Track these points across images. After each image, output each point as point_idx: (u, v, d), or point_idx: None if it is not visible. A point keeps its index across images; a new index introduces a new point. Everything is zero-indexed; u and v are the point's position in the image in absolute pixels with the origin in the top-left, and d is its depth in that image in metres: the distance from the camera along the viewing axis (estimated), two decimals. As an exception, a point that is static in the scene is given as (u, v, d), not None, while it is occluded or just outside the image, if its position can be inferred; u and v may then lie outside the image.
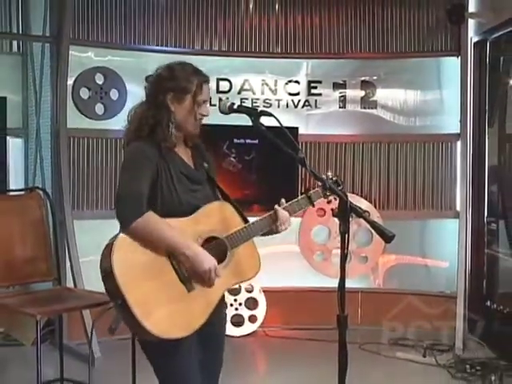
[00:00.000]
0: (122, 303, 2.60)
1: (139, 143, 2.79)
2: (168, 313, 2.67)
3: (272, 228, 2.94)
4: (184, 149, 2.94)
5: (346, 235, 2.63)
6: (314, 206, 3.06)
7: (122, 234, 2.65)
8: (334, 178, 3.07)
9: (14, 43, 6.66)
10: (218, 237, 2.82)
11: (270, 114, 2.80)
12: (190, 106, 2.83)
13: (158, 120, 2.80)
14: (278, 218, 2.92)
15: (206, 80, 2.89)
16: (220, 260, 2.80)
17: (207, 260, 2.70)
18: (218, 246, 2.81)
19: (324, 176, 3.00)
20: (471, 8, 6.25)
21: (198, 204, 2.83)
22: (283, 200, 2.98)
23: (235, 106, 2.88)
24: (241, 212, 2.95)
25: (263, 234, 2.96)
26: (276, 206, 2.94)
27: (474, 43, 6.28)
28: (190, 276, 2.71)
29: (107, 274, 2.62)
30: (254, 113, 2.82)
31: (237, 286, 5.89)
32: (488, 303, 6.15)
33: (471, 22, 6.28)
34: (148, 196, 2.72)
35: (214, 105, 4.62)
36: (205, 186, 2.96)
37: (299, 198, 3.05)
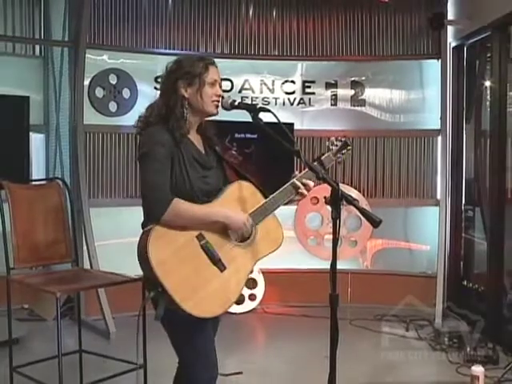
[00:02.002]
0: (162, 290, 2.56)
1: (153, 130, 2.71)
2: (206, 294, 2.63)
3: (292, 197, 2.86)
4: (196, 135, 2.86)
5: (338, 221, 2.59)
6: (326, 169, 2.93)
7: (156, 226, 2.59)
8: (342, 139, 3.02)
9: (37, 47, 6.63)
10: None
11: (268, 110, 2.76)
12: (200, 87, 2.76)
13: (171, 107, 2.73)
14: (298, 186, 2.85)
15: (211, 62, 2.82)
16: (246, 237, 2.77)
17: (239, 217, 2.69)
18: None
19: (332, 138, 3.01)
20: (450, 16, 6.26)
21: (210, 189, 2.77)
22: (296, 172, 2.90)
23: (236, 103, 2.82)
24: (259, 187, 2.88)
25: (284, 204, 2.87)
26: (294, 179, 2.86)
27: (453, 47, 6.29)
28: (222, 250, 2.68)
29: (145, 265, 2.57)
30: (253, 109, 2.78)
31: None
32: (465, 282, 6.17)
33: (450, 29, 6.30)
34: None
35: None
36: (215, 171, 2.88)
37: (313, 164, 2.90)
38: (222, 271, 2.68)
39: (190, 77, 2.75)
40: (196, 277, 2.63)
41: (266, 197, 2.85)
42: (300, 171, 2.89)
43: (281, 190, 2.85)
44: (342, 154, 3.05)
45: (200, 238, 2.66)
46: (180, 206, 2.61)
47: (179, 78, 2.75)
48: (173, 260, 2.59)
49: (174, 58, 2.76)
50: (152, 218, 2.61)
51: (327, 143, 3.04)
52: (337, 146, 3.02)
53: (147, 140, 2.72)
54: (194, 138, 2.85)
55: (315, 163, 2.91)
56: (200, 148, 2.86)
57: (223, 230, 2.71)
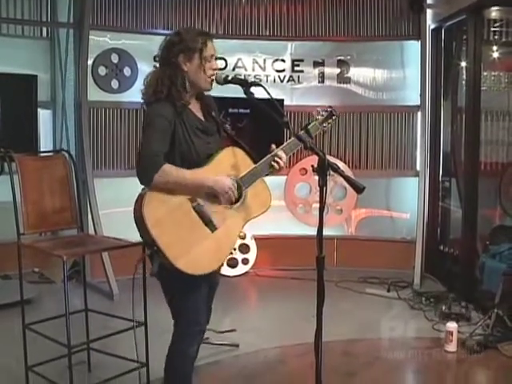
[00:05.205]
0: (157, 250, 2.56)
1: (157, 105, 2.68)
2: (197, 253, 2.63)
3: (273, 168, 2.83)
4: (195, 103, 2.84)
5: (324, 189, 2.57)
6: (312, 138, 2.91)
7: (149, 191, 2.58)
8: (328, 109, 3.00)
9: (44, 29, 6.57)
10: (233, 179, 2.74)
11: (259, 85, 2.73)
12: (199, 63, 2.73)
13: (172, 80, 2.69)
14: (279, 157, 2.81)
15: (210, 37, 2.79)
16: (237, 199, 2.75)
17: (223, 181, 2.65)
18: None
19: (318, 109, 2.99)
20: (429, 0, 6.22)
21: (213, 153, 2.76)
22: (273, 146, 2.86)
23: (229, 78, 2.80)
24: (250, 154, 2.85)
25: (269, 174, 2.85)
26: (276, 149, 2.83)
27: (432, 30, 6.26)
28: (214, 211, 2.66)
29: (141, 226, 2.57)
30: (245, 83, 2.75)
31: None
32: (441, 247, 6.20)
33: (429, 12, 6.28)
34: (167, 152, 2.63)
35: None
36: (216, 136, 2.86)
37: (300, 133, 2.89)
38: (213, 232, 2.67)
39: (190, 52, 2.72)
40: (188, 237, 2.62)
41: (255, 162, 2.82)
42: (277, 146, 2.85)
43: (263, 160, 2.82)
44: (328, 123, 3.02)
45: (192, 200, 2.65)
46: (169, 170, 2.57)
47: (180, 52, 2.72)
48: (167, 221, 2.58)
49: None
50: (143, 180, 2.58)
51: (314, 113, 3.01)
52: (323, 115, 2.99)
53: (151, 113, 2.69)
54: (194, 106, 2.82)
55: (302, 132, 2.89)
56: (200, 116, 2.83)
57: (213, 193, 2.68)
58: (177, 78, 2.70)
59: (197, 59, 2.73)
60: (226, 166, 2.76)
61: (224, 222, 2.71)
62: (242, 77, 6.32)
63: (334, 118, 3.02)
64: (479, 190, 5.46)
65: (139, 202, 2.59)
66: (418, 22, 6.32)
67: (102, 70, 5.99)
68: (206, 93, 2.88)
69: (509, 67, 5.76)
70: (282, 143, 2.88)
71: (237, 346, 4.32)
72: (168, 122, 2.65)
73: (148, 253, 2.64)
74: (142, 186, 2.69)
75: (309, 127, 2.92)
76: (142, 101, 2.79)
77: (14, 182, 3.59)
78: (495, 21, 5.69)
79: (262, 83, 2.75)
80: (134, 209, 2.62)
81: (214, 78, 2.78)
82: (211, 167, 2.71)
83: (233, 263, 6.30)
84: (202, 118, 2.84)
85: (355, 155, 6.56)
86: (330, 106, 3.04)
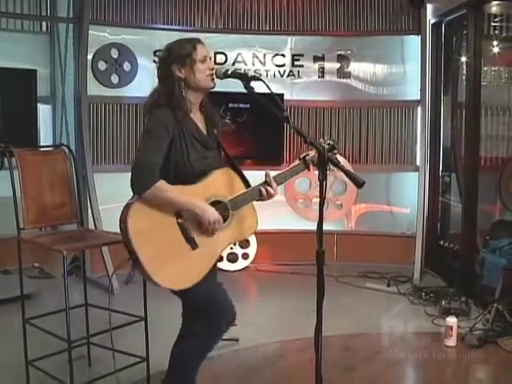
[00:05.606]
0: (136, 259, 2.57)
1: (158, 111, 2.70)
2: (175, 268, 2.63)
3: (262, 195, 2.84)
4: (199, 115, 2.85)
5: (324, 183, 2.57)
6: (309, 169, 2.94)
7: (136, 202, 2.58)
8: (330, 143, 2.98)
9: (43, 24, 6.54)
10: (222, 200, 2.75)
11: (259, 79, 2.73)
12: (193, 66, 2.74)
13: (171, 90, 2.72)
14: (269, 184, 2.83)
15: (198, 41, 2.80)
16: (223, 221, 2.74)
17: (212, 213, 2.65)
18: (221, 209, 2.73)
19: (321, 140, 2.94)
20: (430, -6, 6.22)
21: (209, 169, 2.76)
22: (267, 171, 2.88)
23: (229, 72, 2.80)
24: (244, 177, 2.86)
25: (259, 200, 2.86)
26: (267, 177, 2.84)
27: (432, 24, 6.23)
28: (197, 232, 2.65)
29: (124, 235, 2.59)
30: (245, 77, 2.75)
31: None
32: (441, 242, 6.19)
33: (429, 6, 6.24)
34: (163, 160, 2.65)
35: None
36: (215, 152, 2.87)
37: (293, 165, 2.94)
38: (193, 249, 2.67)
39: (181, 59, 2.74)
40: (169, 251, 2.62)
41: (248, 186, 2.84)
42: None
43: (255, 186, 2.83)
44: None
45: (178, 215, 2.65)
46: (161, 187, 2.58)
47: (172, 63, 2.75)
48: (149, 233, 2.59)
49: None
50: (135, 191, 2.60)
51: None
52: (324, 147, 2.97)
53: (151, 120, 2.72)
54: (197, 117, 2.84)
55: (299, 161, 2.91)
56: (202, 128, 2.84)
57: (199, 220, 2.67)
58: (174, 87, 2.73)
59: (189, 63, 2.74)
60: (217, 186, 2.76)
61: (206, 241, 2.71)
62: (242, 71, 6.33)
63: (335, 152, 3.00)
64: (479, 184, 5.45)
65: (125, 212, 2.60)
66: (418, 16, 6.30)
67: (101, 65, 5.99)
68: (211, 92, 2.88)
69: (509, 62, 5.75)
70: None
71: (236, 340, 4.32)
72: (167, 131, 2.66)
73: (126, 259, 2.64)
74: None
75: (307, 158, 2.92)
76: (143, 110, 2.83)
77: (13, 177, 3.58)
78: (495, 15, 5.68)
79: (261, 78, 2.75)
80: (120, 217, 2.62)
81: (212, 75, 2.79)
82: (201, 186, 2.72)
83: (233, 258, 6.30)
84: (204, 130, 2.85)
85: (355, 150, 6.54)
86: (333, 140, 3.03)
